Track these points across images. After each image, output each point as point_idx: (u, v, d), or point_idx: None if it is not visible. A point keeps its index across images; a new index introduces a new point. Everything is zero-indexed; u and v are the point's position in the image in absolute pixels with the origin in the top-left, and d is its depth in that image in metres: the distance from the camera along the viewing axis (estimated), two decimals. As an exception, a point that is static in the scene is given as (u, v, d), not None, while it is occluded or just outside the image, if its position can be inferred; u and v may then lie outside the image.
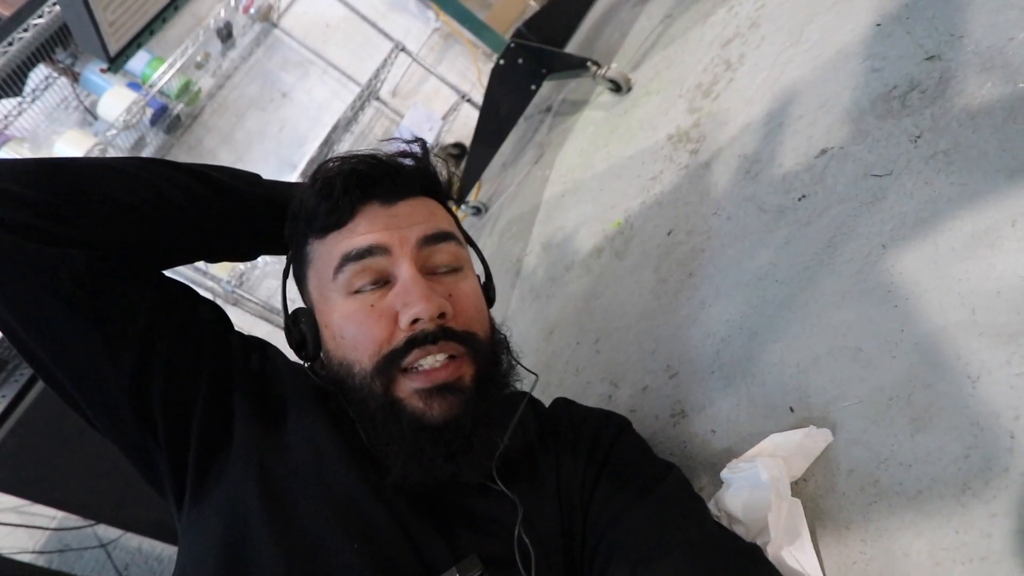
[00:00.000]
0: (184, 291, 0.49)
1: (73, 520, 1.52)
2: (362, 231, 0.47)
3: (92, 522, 1.47)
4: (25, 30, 1.43)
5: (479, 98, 2.30)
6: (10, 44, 1.42)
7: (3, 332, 0.42)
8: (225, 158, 2.04)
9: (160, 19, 1.44)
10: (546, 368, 0.93)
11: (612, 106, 1.27)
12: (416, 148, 0.52)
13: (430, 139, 2.06)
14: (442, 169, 0.53)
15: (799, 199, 0.63)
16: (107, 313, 0.42)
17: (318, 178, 0.49)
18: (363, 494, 0.43)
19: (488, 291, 0.55)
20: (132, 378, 0.42)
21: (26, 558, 1.42)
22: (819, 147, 0.64)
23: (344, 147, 2.26)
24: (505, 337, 0.52)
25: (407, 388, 0.44)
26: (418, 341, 0.44)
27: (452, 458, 0.43)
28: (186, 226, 0.48)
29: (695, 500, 0.47)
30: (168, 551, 1.65)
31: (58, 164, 0.44)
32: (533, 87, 1.54)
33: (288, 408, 0.47)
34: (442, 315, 0.45)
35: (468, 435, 0.44)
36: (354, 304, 0.46)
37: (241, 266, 1.76)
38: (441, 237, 0.49)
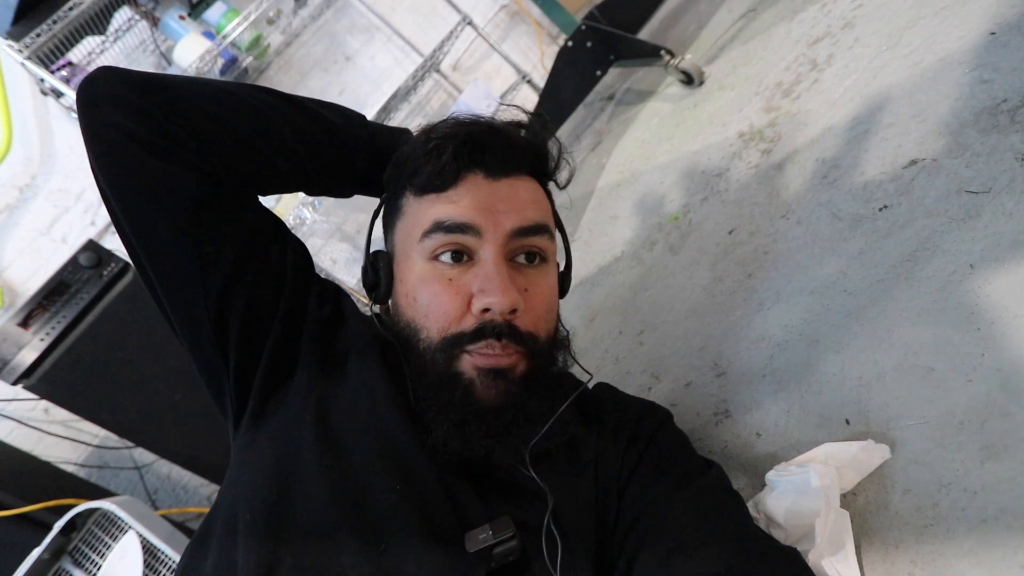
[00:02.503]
0: (277, 227, 0.51)
1: (113, 440, 1.61)
2: (461, 202, 0.46)
3: (131, 445, 1.56)
4: (115, -30, 1.48)
5: (539, 80, 2.28)
6: (100, -18, 1.48)
7: (117, 230, 0.46)
8: (286, 114, 2.08)
9: (242, -30, 1.47)
10: (584, 355, 0.92)
11: (681, 99, 1.23)
12: (535, 123, 0.52)
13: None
14: (553, 148, 0.52)
15: (880, 209, 0.60)
16: (206, 237, 0.45)
17: (432, 136, 0.48)
18: (411, 445, 0.44)
19: (564, 281, 0.55)
20: (217, 300, 0.45)
21: (69, 468, 1.51)
22: (909, 157, 0.61)
23: (400, 116, 2.27)
24: (568, 334, 0.52)
25: (468, 364, 0.45)
26: (486, 333, 0.44)
27: (490, 438, 0.44)
28: (290, 159, 0.49)
29: (735, 497, 0.47)
30: (194, 482, 1.73)
31: (174, 82, 0.46)
32: (599, 72, 1.51)
33: (351, 354, 0.49)
34: (513, 311, 0.45)
35: (508, 423, 0.44)
36: (433, 271, 0.46)
37: (291, 219, 1.81)
38: (534, 231, 0.48)
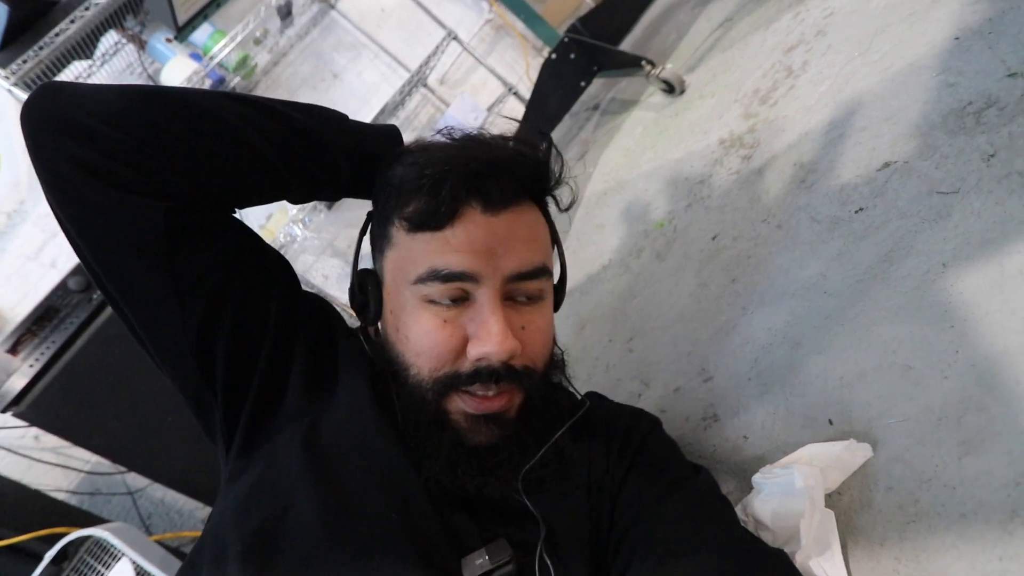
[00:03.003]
0: (257, 245, 0.49)
1: (105, 466, 1.59)
2: (458, 247, 0.43)
3: (123, 470, 1.54)
4: (101, -4, 1.49)
5: (526, 92, 2.30)
6: (87, 9, 1.49)
7: (81, 262, 0.44)
8: (275, 133, 2.09)
9: (227, -8, 1.49)
10: (575, 363, 0.93)
11: (663, 107, 1.25)
12: (541, 144, 0.49)
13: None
14: (556, 166, 0.49)
15: (856, 211, 0.61)
16: (179, 266, 0.42)
17: (426, 169, 0.44)
18: (403, 469, 0.43)
19: (558, 295, 0.53)
20: (199, 331, 0.43)
21: (60, 496, 1.49)
22: (882, 160, 0.62)
23: (389, 131, 2.28)
24: (562, 356, 0.51)
25: (458, 407, 0.44)
26: (481, 376, 0.43)
27: (482, 476, 0.44)
28: (263, 168, 0.46)
29: (723, 502, 0.47)
30: (188, 505, 1.71)
31: (126, 97, 0.42)
32: (583, 83, 1.53)
33: (340, 374, 0.48)
34: (509, 359, 0.43)
35: (501, 461, 0.44)
36: (426, 313, 0.44)
37: (281, 237, 1.81)
38: (532, 275, 0.45)
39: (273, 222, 1.89)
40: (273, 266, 0.49)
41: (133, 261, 0.42)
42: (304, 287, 0.53)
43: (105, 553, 1.12)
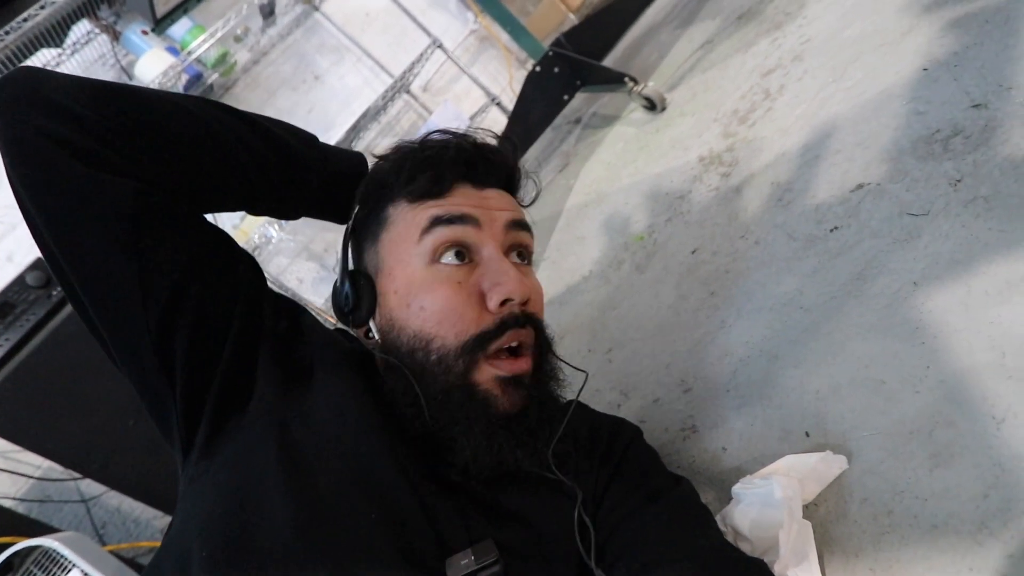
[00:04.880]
0: (224, 239, 0.48)
1: (57, 472, 1.51)
2: (456, 202, 0.47)
3: (76, 476, 1.47)
4: (75, -17, 1.45)
5: (508, 103, 2.32)
6: (59, -5, 1.44)
7: (38, 246, 0.42)
8: (252, 132, 2.05)
9: (209, -12, 1.46)
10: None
11: (644, 123, 1.28)
12: (506, 145, 0.55)
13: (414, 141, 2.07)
14: (521, 167, 0.55)
15: (831, 230, 0.63)
16: (145, 250, 0.41)
17: (426, 148, 0.49)
18: (386, 466, 0.42)
19: None
20: (160, 319, 0.41)
21: (7, 503, 1.41)
22: (855, 182, 0.65)
23: (370, 136, 2.27)
24: (552, 336, 0.53)
25: (488, 374, 0.45)
26: (508, 324, 0.45)
27: (518, 446, 0.44)
28: (236, 174, 0.47)
29: (703, 510, 0.47)
30: (146, 514, 1.64)
31: (119, 89, 0.43)
32: (566, 97, 1.56)
33: (315, 373, 0.46)
34: (525, 301, 0.46)
35: (533, 427, 0.45)
36: (438, 275, 0.45)
37: (256, 238, 1.77)
38: (523, 225, 0.50)
39: (248, 223, 1.85)
40: (241, 265, 0.48)
41: (97, 241, 0.40)
42: (278, 291, 0.53)
43: (54, 565, 1.06)
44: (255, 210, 0.52)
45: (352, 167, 0.55)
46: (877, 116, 0.69)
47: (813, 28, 0.95)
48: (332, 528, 0.39)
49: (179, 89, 1.82)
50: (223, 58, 1.92)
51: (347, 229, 0.53)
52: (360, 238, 0.51)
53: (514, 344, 0.46)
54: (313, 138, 0.54)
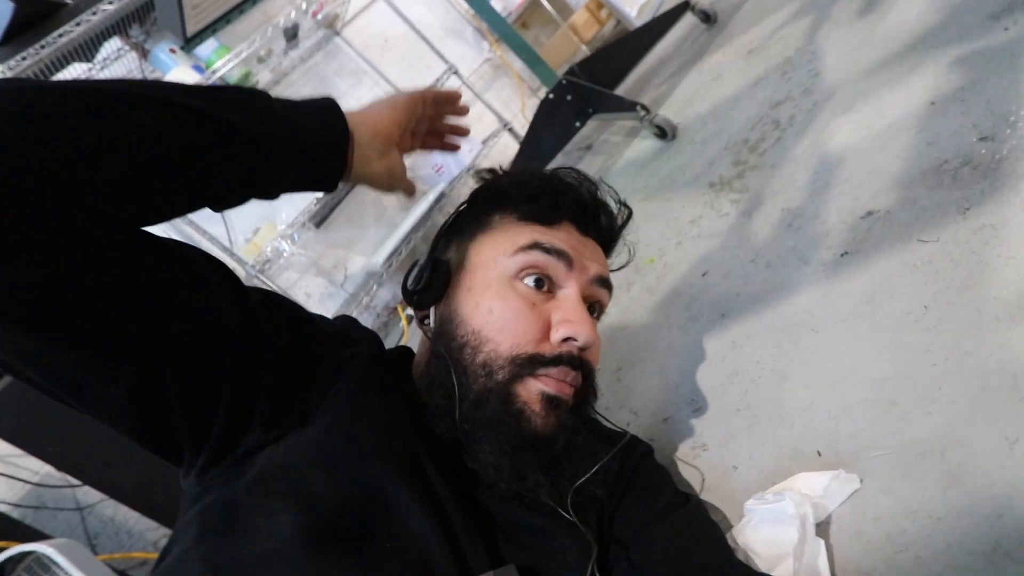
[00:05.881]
0: (181, 256, 0.38)
1: (55, 478, 1.51)
2: (559, 237, 0.49)
3: (73, 483, 1.46)
4: (110, 2, 1.51)
5: (520, 129, 2.38)
6: (94, 14, 1.50)
7: None
8: (269, 149, 2.10)
9: (238, 10, 1.53)
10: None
11: (655, 151, 1.31)
12: (624, 210, 0.58)
13: (467, 161, 2.12)
14: (625, 236, 0.59)
15: (841, 255, 0.64)
16: (83, 326, 0.32)
17: (554, 179, 0.52)
18: (405, 485, 0.39)
19: None
20: (133, 394, 0.34)
21: (2, 508, 1.40)
22: (865, 209, 0.66)
23: (383, 156, 2.31)
24: (597, 391, 0.53)
25: (533, 388, 0.44)
26: (563, 360, 0.45)
27: (543, 471, 0.43)
28: (150, 178, 0.34)
29: (714, 527, 0.47)
30: (140, 525, 1.62)
31: None
32: (577, 124, 1.59)
33: (325, 389, 0.42)
34: (585, 348, 0.47)
35: (558, 455, 0.44)
36: (515, 293, 0.47)
37: (268, 251, 1.79)
38: (608, 285, 0.53)
39: (260, 236, 1.87)
40: (213, 277, 0.39)
41: (15, 333, 0.31)
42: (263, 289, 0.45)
43: (46, 572, 1.04)
44: (217, 207, 0.40)
45: (328, 131, 0.43)
46: (886, 147, 0.71)
47: (822, 63, 0.98)
48: (353, 553, 0.37)
49: (202, 105, 1.87)
50: (246, 77, 1.98)
51: (448, 218, 0.55)
52: (455, 231, 0.53)
53: (560, 377, 0.46)
54: (264, 106, 0.40)
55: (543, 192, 0.50)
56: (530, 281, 0.47)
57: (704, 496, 0.58)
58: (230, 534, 0.36)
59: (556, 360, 0.45)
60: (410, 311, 0.52)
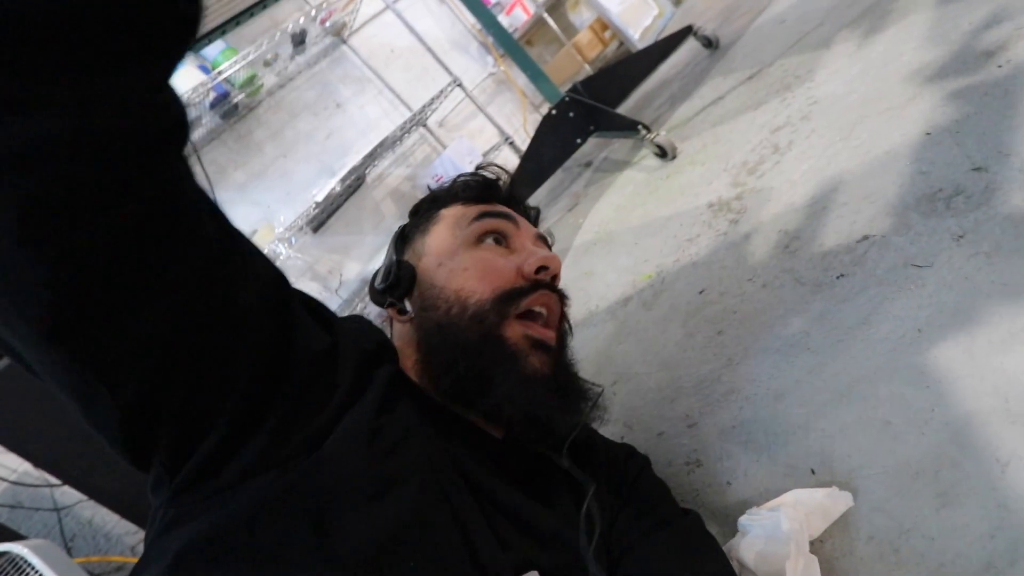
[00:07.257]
0: (227, 255, 0.35)
1: (32, 477, 1.47)
2: (500, 207, 0.57)
3: (52, 482, 1.42)
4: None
5: (520, 143, 2.40)
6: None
7: None
8: (271, 153, 2.11)
9: (248, 13, 1.54)
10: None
11: (655, 170, 1.33)
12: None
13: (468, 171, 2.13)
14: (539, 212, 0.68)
15: (837, 277, 0.66)
16: (85, 339, 0.29)
17: (478, 173, 0.60)
18: (425, 494, 0.38)
19: None
20: (129, 412, 0.32)
21: (-23, 506, 1.36)
22: (861, 233, 0.67)
23: (384, 164, 2.33)
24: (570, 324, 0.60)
25: (517, 331, 0.48)
26: (541, 285, 0.51)
27: (551, 403, 0.47)
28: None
29: (711, 540, 0.48)
30: (118, 529, 1.58)
31: None
32: (579, 140, 1.61)
33: (343, 393, 0.38)
34: (555, 276, 0.53)
35: (563, 386, 0.49)
36: (481, 251, 0.52)
37: (265, 253, 1.78)
38: (548, 242, 0.61)
39: (258, 237, 1.87)
40: (252, 278, 0.37)
41: (27, 342, 0.29)
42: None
43: (20, 573, 1.02)
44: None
45: None
46: (882, 173, 0.72)
47: (821, 91, 1.01)
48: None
49: (205, 104, 1.88)
50: (251, 80, 1.99)
51: (398, 229, 0.59)
52: (405, 240, 0.57)
53: (542, 310, 0.51)
54: None
55: (476, 180, 0.58)
56: (490, 241, 0.53)
57: (698, 511, 0.58)
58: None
59: (535, 286, 0.50)
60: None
